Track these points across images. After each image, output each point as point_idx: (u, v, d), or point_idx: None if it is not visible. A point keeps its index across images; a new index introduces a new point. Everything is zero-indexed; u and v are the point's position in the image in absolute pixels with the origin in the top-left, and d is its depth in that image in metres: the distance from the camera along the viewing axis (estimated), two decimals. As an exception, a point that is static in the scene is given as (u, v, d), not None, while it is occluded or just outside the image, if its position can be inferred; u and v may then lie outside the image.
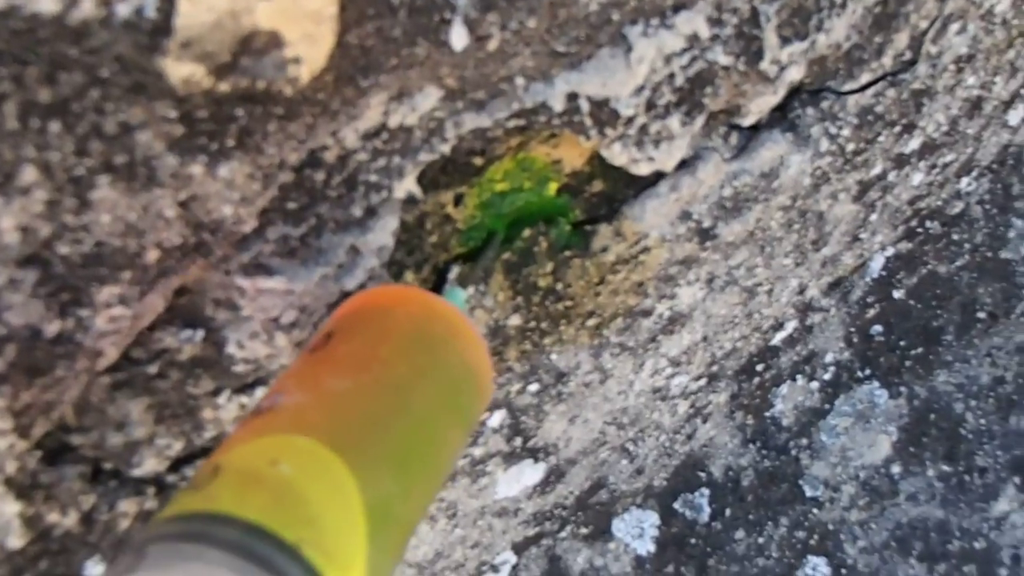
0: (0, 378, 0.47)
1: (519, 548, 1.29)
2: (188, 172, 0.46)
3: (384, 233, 0.62)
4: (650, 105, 0.68)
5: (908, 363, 1.48)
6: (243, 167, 0.49)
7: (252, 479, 0.40)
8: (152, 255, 0.49)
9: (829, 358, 1.44)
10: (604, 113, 0.66)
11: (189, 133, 0.45)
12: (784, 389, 1.43)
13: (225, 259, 0.55)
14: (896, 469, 1.48)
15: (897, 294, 1.44)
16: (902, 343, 1.47)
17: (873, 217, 1.14)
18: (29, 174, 0.41)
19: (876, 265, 1.36)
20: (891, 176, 1.06)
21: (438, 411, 0.49)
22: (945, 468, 1.48)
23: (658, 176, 0.77)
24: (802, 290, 1.19)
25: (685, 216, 0.81)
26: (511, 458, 1.00)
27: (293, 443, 0.42)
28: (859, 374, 1.47)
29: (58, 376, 0.50)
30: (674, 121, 0.71)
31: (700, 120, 0.73)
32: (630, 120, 0.67)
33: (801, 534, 1.46)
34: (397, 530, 0.44)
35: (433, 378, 0.50)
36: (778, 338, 1.29)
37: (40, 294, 0.46)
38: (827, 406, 1.47)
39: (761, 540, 1.45)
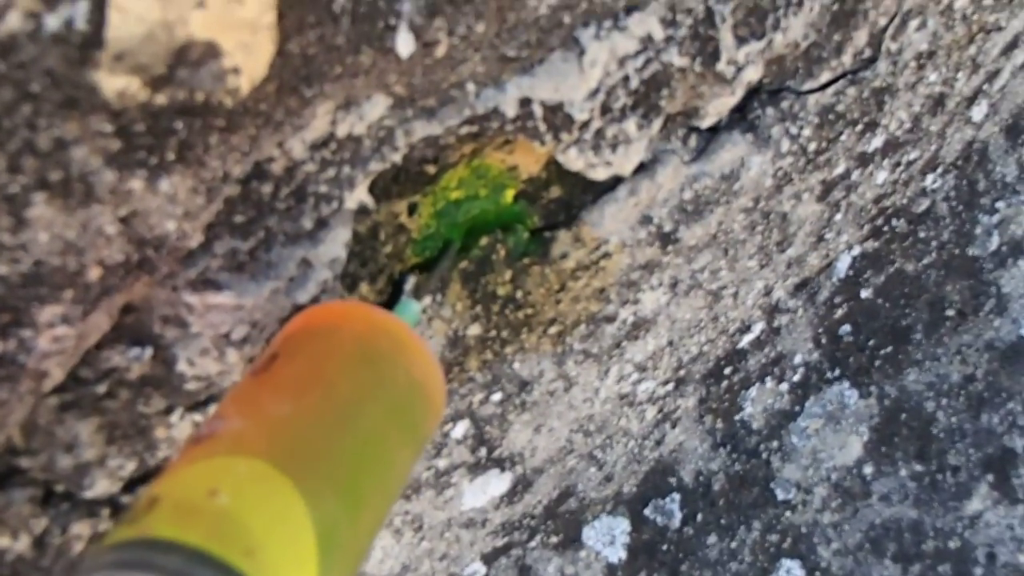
0: (-61, 402, 0.46)
1: (488, 559, 1.28)
2: (127, 187, 0.45)
3: (336, 245, 0.61)
4: (605, 109, 0.67)
5: (878, 363, 1.49)
6: (185, 181, 0.48)
7: (189, 510, 0.39)
8: (94, 273, 0.48)
9: (798, 359, 1.44)
10: (558, 118, 0.65)
11: (126, 147, 0.44)
12: (753, 392, 1.43)
13: (171, 275, 0.54)
14: (868, 470, 1.48)
15: (865, 293, 1.44)
16: (871, 343, 1.48)
17: (838, 217, 1.14)
18: (-40, 193, 0.40)
19: (843, 265, 1.36)
20: (855, 175, 1.07)
21: (385, 430, 0.49)
22: (917, 468, 1.48)
23: (616, 181, 0.77)
24: (768, 292, 1.19)
25: (645, 220, 0.81)
26: (476, 468, 1.00)
27: (232, 467, 0.42)
28: (828, 375, 1.48)
29: (2, 398, 0.49)
30: (630, 124, 0.70)
31: (657, 123, 0.73)
32: (585, 124, 0.67)
33: (774, 537, 1.46)
34: (347, 554, 0.44)
35: (379, 396, 0.49)
36: (745, 341, 1.29)
37: (-23, 315, 0.45)
38: (797, 408, 1.48)
39: (734, 544, 1.45)
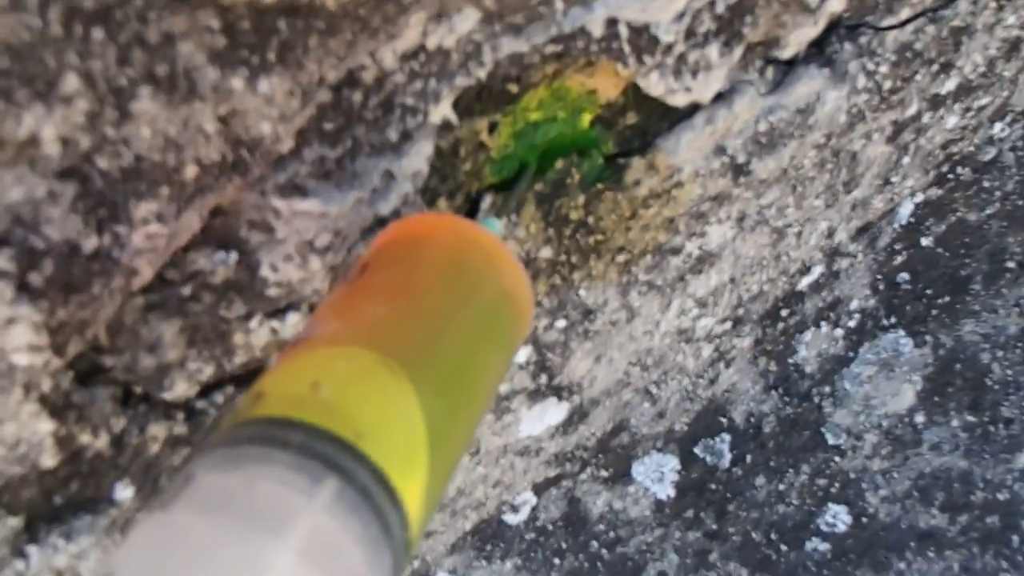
0: (37, 293, 0.47)
1: (539, 489, 1.30)
2: (228, 86, 0.46)
3: (419, 158, 0.62)
4: (689, 33, 0.67)
5: (934, 312, 1.48)
6: (283, 83, 0.49)
7: (296, 402, 0.40)
8: (191, 171, 0.49)
9: (854, 305, 1.44)
10: (643, 40, 0.65)
11: (231, 45, 0.44)
12: (808, 336, 1.43)
13: (261, 179, 0.55)
14: (920, 419, 1.48)
15: (925, 241, 1.43)
16: (929, 291, 1.47)
17: (905, 160, 1.13)
18: (71, 83, 0.41)
19: (905, 211, 1.35)
20: (926, 117, 1.06)
21: (477, 335, 0.50)
22: (969, 418, 1.48)
23: (693, 109, 0.77)
24: (831, 233, 1.19)
25: (719, 151, 0.81)
26: (536, 396, 1.01)
27: (333, 360, 0.43)
28: (884, 322, 1.47)
29: (94, 294, 0.51)
30: (712, 51, 0.70)
31: (739, 51, 0.72)
32: (669, 48, 0.67)
33: (822, 482, 1.46)
34: (450, 446, 0.45)
35: (470, 303, 0.50)
36: (804, 283, 1.29)
37: (78, 208, 0.46)
38: (851, 354, 1.47)
39: (781, 487, 1.45)
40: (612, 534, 1.40)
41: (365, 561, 0.36)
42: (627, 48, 0.65)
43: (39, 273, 0.47)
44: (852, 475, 1.47)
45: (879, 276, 1.43)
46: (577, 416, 1.12)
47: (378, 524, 0.37)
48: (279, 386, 0.41)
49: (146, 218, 0.49)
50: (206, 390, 0.68)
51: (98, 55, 0.41)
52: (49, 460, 0.58)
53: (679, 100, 0.73)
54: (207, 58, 0.44)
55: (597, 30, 0.63)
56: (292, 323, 0.66)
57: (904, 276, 1.46)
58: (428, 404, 0.43)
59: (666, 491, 1.41)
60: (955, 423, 1.48)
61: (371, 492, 0.38)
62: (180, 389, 0.65)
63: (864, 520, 1.46)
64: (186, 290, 0.59)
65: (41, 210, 0.45)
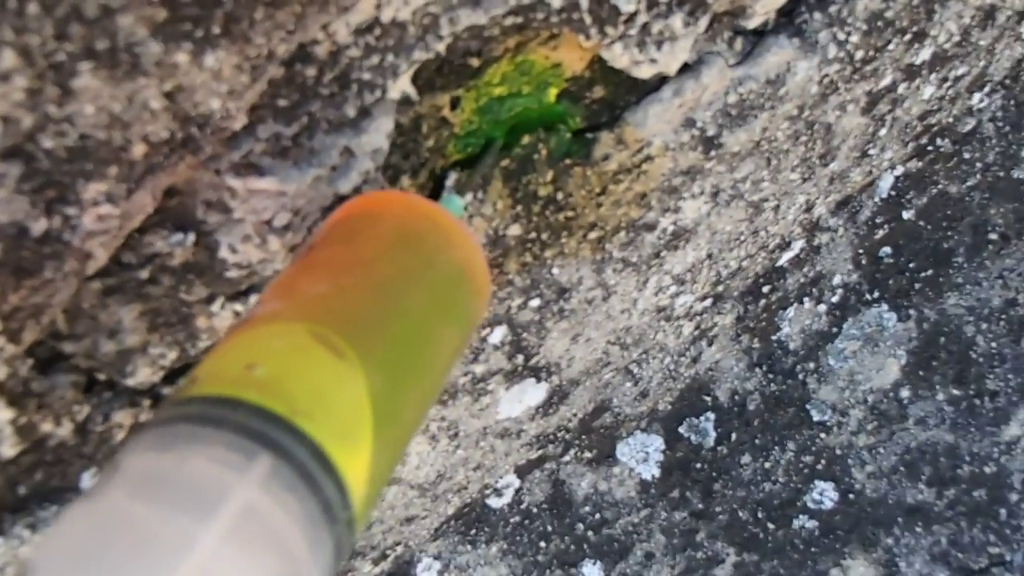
0: (-14, 277, 0.47)
1: (522, 472, 1.29)
2: (173, 60, 0.45)
3: (379, 135, 0.61)
4: (651, 3, 0.66)
5: (918, 285, 1.48)
6: (230, 57, 0.48)
7: (230, 382, 0.39)
8: (139, 149, 0.48)
9: (837, 280, 1.44)
10: (604, 10, 0.65)
11: (173, 18, 0.44)
12: (791, 312, 1.43)
13: (215, 157, 0.54)
14: (905, 393, 1.48)
15: (907, 215, 1.43)
16: (911, 265, 1.47)
17: (882, 132, 1.13)
18: (8, 59, 0.40)
19: (885, 184, 1.35)
20: (901, 88, 1.05)
21: (428, 310, 0.49)
22: (955, 392, 1.48)
23: (661, 81, 0.76)
24: (809, 208, 1.18)
25: (689, 123, 0.80)
26: (513, 376, 1.00)
27: (268, 339, 0.42)
28: (867, 297, 1.47)
29: (46, 278, 0.50)
30: (676, 21, 0.69)
31: (704, 20, 0.72)
32: (631, 18, 0.66)
33: (808, 459, 1.46)
34: (397, 423, 0.44)
35: (420, 276, 0.49)
36: (785, 258, 1.29)
37: (24, 190, 0.45)
38: (835, 329, 1.47)
39: (767, 465, 1.45)
40: (598, 516, 1.40)
41: (303, 538, 0.35)
42: (588, 19, 0.65)
43: (-13, 257, 0.46)
44: (838, 451, 1.46)
45: (861, 250, 1.43)
46: (557, 397, 1.11)
47: (316, 501, 0.37)
48: (213, 368, 0.41)
49: (96, 199, 0.48)
50: (171, 375, 0.67)
51: (34, 30, 0.40)
52: (9, 449, 0.58)
53: (645, 72, 0.72)
54: (149, 32, 0.43)
55: (556, 0, 0.62)
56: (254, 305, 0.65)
57: (886, 250, 1.45)
58: (372, 378, 0.42)
59: (651, 471, 1.41)
60: (940, 397, 1.48)
61: (309, 468, 0.37)
62: (144, 374, 0.64)
63: (851, 496, 1.46)
64: (144, 273, 0.58)
65: (-16, 192, 0.44)
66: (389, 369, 0.44)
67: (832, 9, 0.83)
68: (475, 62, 0.66)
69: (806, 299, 1.42)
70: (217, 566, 0.32)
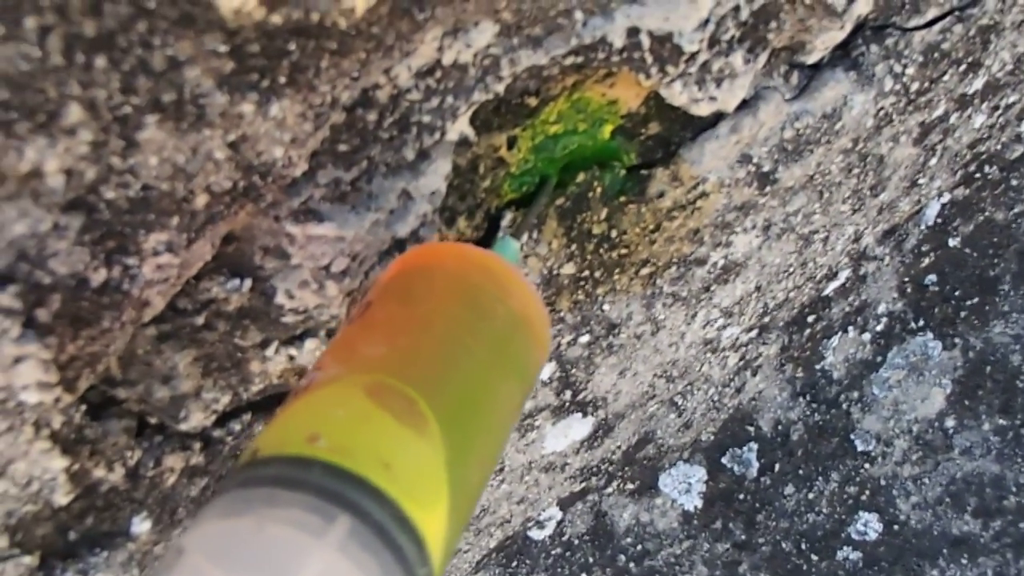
0: (45, 329, 0.46)
1: (564, 504, 1.28)
2: (238, 111, 0.44)
3: (436, 177, 0.60)
4: (713, 41, 0.65)
5: (963, 314, 1.46)
6: (294, 106, 0.47)
7: (296, 446, 0.39)
8: (201, 200, 0.47)
9: (882, 309, 1.42)
10: (666, 49, 0.63)
11: (239, 69, 0.43)
12: (835, 341, 1.41)
13: (274, 204, 0.53)
14: (950, 423, 1.46)
15: (952, 242, 1.41)
16: (957, 293, 1.45)
17: (932, 161, 1.11)
18: (74, 113, 0.40)
19: (931, 212, 1.33)
20: (953, 118, 1.04)
21: (488, 364, 0.48)
22: (1001, 422, 1.45)
23: (717, 117, 0.75)
24: (857, 238, 1.17)
25: (744, 159, 0.79)
26: (560, 412, 0.99)
27: (329, 408, 0.41)
28: (912, 325, 1.45)
29: (104, 327, 0.49)
30: (737, 58, 0.68)
31: (763, 57, 0.70)
32: (692, 57, 0.65)
33: (852, 489, 1.44)
34: (468, 473, 0.43)
35: (478, 331, 0.48)
36: (831, 288, 1.27)
37: (85, 241, 0.44)
38: (879, 358, 1.45)
39: (811, 495, 1.43)
40: (639, 547, 1.38)
41: None
42: (649, 58, 0.63)
43: (46, 308, 0.45)
44: (882, 482, 1.45)
45: (906, 279, 1.41)
46: (602, 430, 1.10)
47: (396, 561, 0.36)
48: (276, 434, 0.40)
49: (156, 249, 0.48)
50: (223, 419, 0.66)
51: (101, 84, 0.40)
52: (62, 497, 0.57)
53: (703, 109, 0.71)
54: (215, 83, 0.43)
55: (618, 40, 0.61)
56: (309, 349, 0.64)
57: (932, 278, 1.44)
58: (443, 434, 0.41)
59: (693, 502, 1.39)
60: (986, 427, 1.45)
61: (387, 528, 0.37)
62: (196, 419, 0.63)
63: (895, 527, 1.44)
64: (199, 319, 0.57)
65: (46, 244, 0.43)
66: (458, 424, 0.43)
67: (889, 42, 0.81)
68: (533, 101, 0.64)
69: (851, 328, 1.41)
70: None
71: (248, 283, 0.57)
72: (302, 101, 0.47)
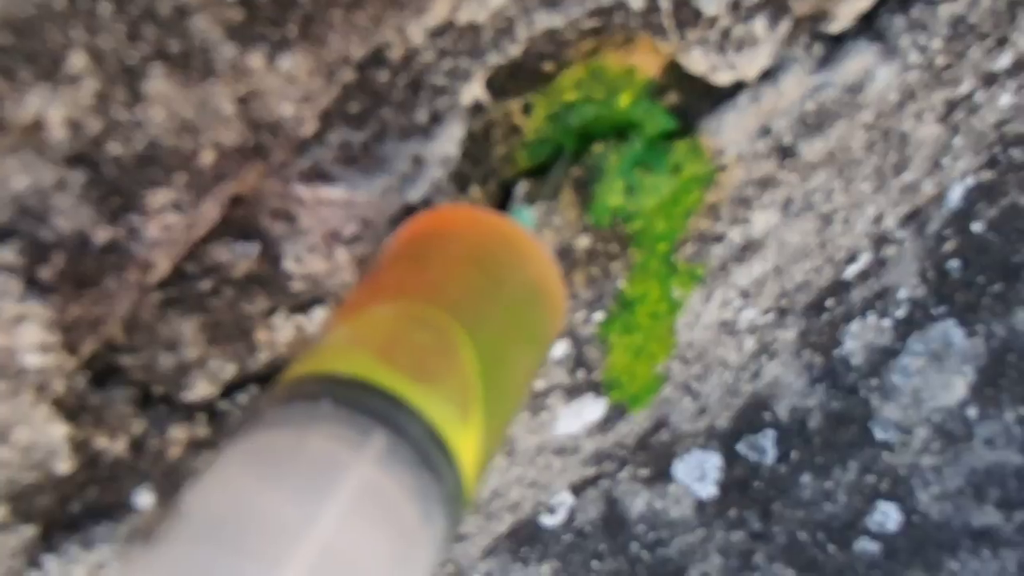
0: (48, 288, 0.46)
1: (577, 489, 1.28)
2: (247, 64, 0.44)
3: (450, 142, 0.60)
4: (734, 5, 0.65)
5: (986, 300, 1.45)
6: (306, 60, 0.47)
7: (341, 361, 0.40)
8: (208, 157, 0.47)
9: (903, 294, 1.41)
10: (686, 13, 0.63)
11: (249, 19, 0.42)
12: (854, 326, 1.40)
13: (284, 165, 0.53)
14: (972, 412, 1.45)
15: (976, 227, 1.40)
16: (980, 279, 1.44)
17: (957, 141, 1.10)
18: (78, 61, 0.39)
19: (955, 195, 1.32)
20: (978, 96, 1.03)
21: (502, 331, 0.48)
22: (1024, 411, 1.45)
23: (737, 88, 0.74)
24: (878, 219, 1.16)
25: (765, 132, 0.79)
26: (573, 392, 0.98)
27: (367, 325, 0.42)
28: (934, 311, 1.44)
29: (108, 288, 0.49)
30: (758, 24, 0.68)
31: (785, 25, 0.70)
32: (713, 21, 0.65)
33: (871, 479, 1.43)
34: (501, 401, 0.45)
35: (492, 298, 0.48)
36: (850, 271, 1.26)
37: (90, 197, 0.44)
38: (899, 345, 1.44)
39: (828, 484, 1.43)
40: (652, 535, 1.38)
41: (418, 514, 0.36)
42: (668, 21, 0.63)
43: (49, 267, 0.45)
44: (902, 472, 1.44)
45: (928, 263, 1.40)
46: (615, 413, 1.10)
47: (431, 477, 0.37)
48: (310, 360, 0.41)
49: (162, 207, 0.47)
50: (229, 390, 0.66)
51: (106, 30, 0.39)
52: (64, 466, 0.57)
53: (723, 78, 0.70)
54: (224, 33, 0.42)
55: (637, 2, 0.60)
56: (318, 318, 0.64)
57: (954, 263, 1.43)
58: (477, 359, 0.43)
59: (708, 490, 1.39)
60: (1009, 416, 1.45)
61: (423, 445, 0.38)
62: (201, 389, 0.63)
63: (915, 518, 1.43)
64: (206, 284, 0.57)
65: (49, 199, 0.43)
66: (486, 352, 0.44)
67: (915, 13, 0.80)
68: (549, 67, 0.64)
69: (870, 313, 1.40)
70: (338, 542, 0.33)
71: (256, 247, 0.57)
72: (314, 56, 0.47)
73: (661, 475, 1.35)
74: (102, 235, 0.46)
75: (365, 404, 0.37)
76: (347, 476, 0.34)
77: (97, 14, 0.38)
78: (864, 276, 1.31)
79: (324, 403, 0.37)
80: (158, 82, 0.42)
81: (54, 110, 0.40)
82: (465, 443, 0.40)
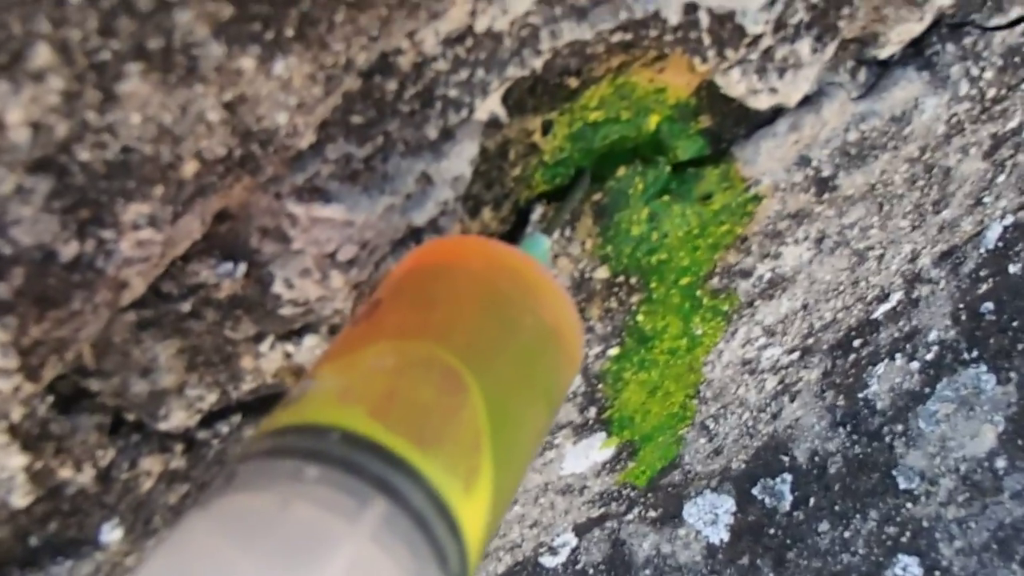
0: (4, 307, 0.42)
1: (581, 530, 1.24)
2: (236, 66, 0.40)
3: (461, 160, 0.56)
4: (780, 24, 0.61)
5: (1020, 346, 1.41)
6: (303, 65, 0.43)
7: (330, 409, 0.36)
8: (190, 167, 0.43)
9: (933, 336, 1.37)
10: (726, 29, 0.59)
11: (239, 16, 0.39)
12: (881, 368, 1.37)
13: (275, 179, 0.49)
14: (1001, 463, 1.41)
15: (1013, 268, 1.36)
16: (1014, 323, 1.40)
17: (1000, 178, 1.06)
18: (43, 55, 0.35)
19: (992, 235, 1.29)
20: (1026, 131, 0.99)
21: (511, 383, 0.43)
22: (1056, 465, 1.41)
23: (775, 113, 0.70)
24: (914, 258, 1.12)
25: (803, 162, 0.75)
26: (582, 430, 0.95)
27: (365, 368, 0.39)
28: (965, 356, 1.40)
29: (74, 309, 0.45)
30: (804, 46, 0.64)
31: (832, 47, 0.66)
32: (755, 41, 0.61)
33: (892, 530, 1.40)
34: (511, 464, 0.41)
35: (504, 345, 0.44)
36: (881, 311, 1.23)
37: (54, 208, 0.40)
38: (927, 390, 1.41)
39: (847, 534, 1.39)
40: (659, 580, 1.34)
41: None
42: (707, 39, 0.59)
43: (6, 283, 0.41)
44: (925, 523, 1.40)
45: (961, 305, 1.37)
46: (626, 453, 1.06)
47: (432, 552, 0.34)
48: (301, 405, 0.37)
49: (136, 222, 0.43)
50: (209, 419, 0.62)
51: (76, 22, 0.35)
52: (21, 499, 0.53)
53: (762, 102, 0.66)
54: (211, 31, 0.38)
55: (674, 16, 0.57)
56: (309, 346, 0.60)
57: (988, 306, 1.39)
58: (491, 414, 0.39)
59: (719, 535, 1.35)
60: (1040, 469, 1.41)
61: (426, 517, 0.34)
62: (178, 418, 0.59)
63: (937, 573, 1.39)
64: (185, 306, 0.53)
65: (8, 208, 0.39)
66: (497, 399, 0.40)
67: (967, 41, 0.77)
68: (573, 82, 0.60)
69: (898, 355, 1.36)
70: None
71: (242, 268, 0.53)
72: (312, 60, 0.43)
73: (671, 517, 1.32)
74: (68, 250, 0.42)
75: (361, 466, 0.33)
76: (338, 551, 0.31)
77: (65, 2, 0.35)
78: (894, 316, 1.27)
79: (312, 463, 0.33)
80: (134, 82, 0.38)
81: (14, 109, 0.36)
82: (471, 513, 0.36)
